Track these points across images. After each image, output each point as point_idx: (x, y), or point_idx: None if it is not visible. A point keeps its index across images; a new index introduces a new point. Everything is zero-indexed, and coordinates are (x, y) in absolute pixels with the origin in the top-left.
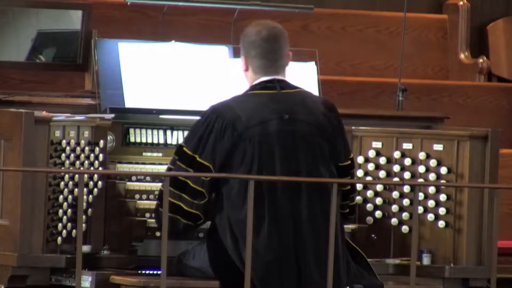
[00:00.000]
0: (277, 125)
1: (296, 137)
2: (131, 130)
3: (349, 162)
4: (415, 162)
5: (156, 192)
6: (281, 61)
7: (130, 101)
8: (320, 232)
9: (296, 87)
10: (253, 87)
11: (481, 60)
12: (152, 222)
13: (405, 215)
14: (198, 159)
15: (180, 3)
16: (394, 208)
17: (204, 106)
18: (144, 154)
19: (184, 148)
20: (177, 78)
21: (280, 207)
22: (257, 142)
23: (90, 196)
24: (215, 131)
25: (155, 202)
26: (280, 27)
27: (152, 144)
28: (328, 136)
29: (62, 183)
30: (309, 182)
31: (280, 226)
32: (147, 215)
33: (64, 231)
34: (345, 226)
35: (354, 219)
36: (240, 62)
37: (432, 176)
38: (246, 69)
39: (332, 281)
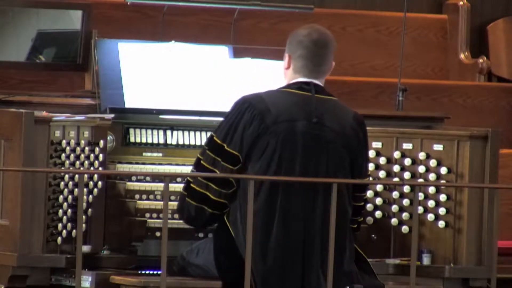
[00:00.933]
0: (305, 126)
1: (320, 142)
2: (131, 130)
3: (367, 178)
4: (415, 162)
5: (156, 192)
6: (324, 66)
7: (130, 101)
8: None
9: (330, 95)
10: (288, 85)
11: (481, 60)
12: (152, 222)
13: (405, 215)
14: (226, 148)
15: (180, 3)
16: (394, 208)
17: (204, 106)
18: (144, 154)
19: (214, 138)
20: (177, 78)
21: (294, 209)
22: (281, 139)
23: (90, 196)
24: (244, 120)
25: (155, 202)
26: (330, 35)
27: (152, 144)
28: (352, 148)
29: (62, 183)
30: (326, 187)
31: (291, 227)
32: (147, 215)
33: (64, 231)
34: None
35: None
36: (242, 62)
37: (432, 176)
38: (287, 68)
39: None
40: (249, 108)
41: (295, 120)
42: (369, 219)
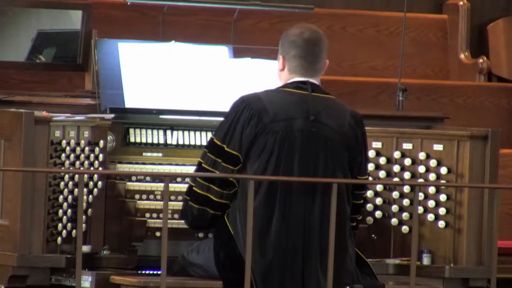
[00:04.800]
0: (302, 124)
1: (318, 140)
2: (131, 130)
3: (366, 177)
4: (415, 162)
5: (156, 192)
6: (318, 64)
7: (130, 101)
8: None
9: (328, 94)
10: (286, 85)
11: (481, 60)
12: (152, 222)
13: (405, 215)
14: (226, 149)
15: (180, 3)
16: (394, 208)
17: (204, 106)
18: (144, 154)
19: (214, 140)
20: (177, 78)
21: (292, 207)
22: (279, 137)
23: (90, 196)
24: (242, 120)
25: (155, 202)
26: (322, 33)
27: (152, 144)
28: (350, 147)
29: (62, 183)
30: (325, 185)
31: (290, 225)
32: (147, 215)
33: (64, 231)
34: None
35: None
36: (242, 62)
37: (432, 176)
38: (282, 69)
39: (337, 283)
40: (247, 107)
41: (292, 118)
42: (369, 219)
